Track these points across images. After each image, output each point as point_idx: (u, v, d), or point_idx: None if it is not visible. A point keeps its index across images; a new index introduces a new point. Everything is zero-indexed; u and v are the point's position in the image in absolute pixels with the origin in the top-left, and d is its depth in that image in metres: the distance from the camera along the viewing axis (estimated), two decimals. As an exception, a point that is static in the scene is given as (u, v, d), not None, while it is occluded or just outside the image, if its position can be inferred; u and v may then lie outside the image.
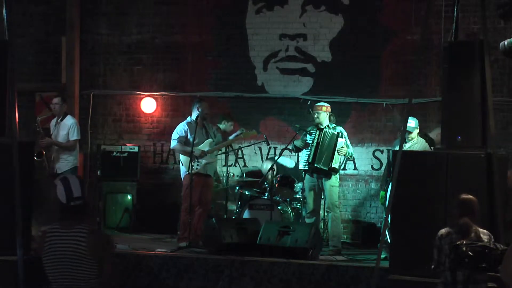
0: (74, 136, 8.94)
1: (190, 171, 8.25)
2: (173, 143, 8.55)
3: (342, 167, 8.65)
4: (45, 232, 4.23)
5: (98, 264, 4.13)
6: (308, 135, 8.58)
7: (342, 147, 8.32)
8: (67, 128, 8.91)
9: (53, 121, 9.08)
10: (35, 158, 8.63)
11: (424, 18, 8.58)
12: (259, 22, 10.23)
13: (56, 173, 8.77)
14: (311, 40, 10.10)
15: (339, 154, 8.33)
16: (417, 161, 6.87)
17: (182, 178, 8.56)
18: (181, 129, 8.56)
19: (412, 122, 8.05)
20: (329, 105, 8.60)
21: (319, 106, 8.54)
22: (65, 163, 8.88)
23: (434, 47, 9.53)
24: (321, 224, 8.92)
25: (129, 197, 10.04)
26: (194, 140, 8.29)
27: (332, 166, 8.30)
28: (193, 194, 8.27)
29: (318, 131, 8.46)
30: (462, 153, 6.61)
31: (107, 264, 4.17)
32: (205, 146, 8.57)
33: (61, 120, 8.95)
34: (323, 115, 8.49)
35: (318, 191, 8.46)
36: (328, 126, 8.52)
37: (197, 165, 8.38)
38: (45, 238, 4.20)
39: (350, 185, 9.93)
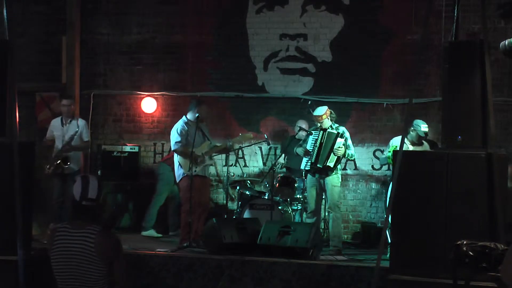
0: (88, 137, 9.12)
1: (191, 172, 8.23)
2: (176, 146, 8.43)
3: (341, 167, 8.61)
4: (55, 230, 4.22)
5: (107, 266, 4.13)
6: (310, 136, 8.58)
7: (339, 147, 8.28)
8: (76, 129, 8.96)
9: (56, 121, 9.05)
10: (62, 164, 8.69)
11: (424, 18, 8.57)
12: (260, 22, 10.24)
13: (65, 173, 8.78)
14: (312, 40, 10.10)
15: (334, 155, 8.30)
16: (417, 161, 6.86)
17: (178, 180, 8.52)
18: (180, 130, 8.49)
19: (426, 127, 8.22)
20: (326, 108, 8.56)
21: (318, 116, 8.48)
22: (77, 163, 9.03)
23: (434, 47, 9.54)
24: (322, 224, 8.92)
25: (129, 197, 10.06)
26: (194, 141, 8.28)
27: (327, 164, 8.30)
28: (193, 196, 8.28)
29: (321, 131, 8.47)
30: (462, 153, 6.60)
31: (118, 267, 4.16)
32: (204, 148, 8.57)
33: (71, 121, 8.98)
34: (325, 121, 8.48)
35: (320, 191, 8.46)
36: (331, 126, 8.51)
37: (196, 167, 8.36)
38: (54, 236, 4.20)
39: (351, 185, 9.93)
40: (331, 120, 8.56)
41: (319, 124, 8.54)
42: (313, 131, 8.63)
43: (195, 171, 8.32)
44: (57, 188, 8.84)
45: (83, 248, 4.10)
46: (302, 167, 8.65)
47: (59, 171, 8.78)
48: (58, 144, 8.89)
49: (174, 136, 8.49)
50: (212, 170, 10.15)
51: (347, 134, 8.50)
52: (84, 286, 4.12)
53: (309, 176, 8.56)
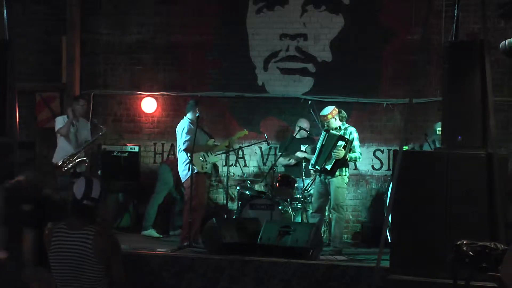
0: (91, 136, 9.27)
1: (202, 169, 8.43)
2: (186, 144, 8.44)
3: (346, 170, 8.49)
4: (52, 230, 4.22)
5: (105, 266, 4.12)
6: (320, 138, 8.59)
7: (339, 150, 8.21)
8: (88, 128, 9.15)
9: (62, 120, 9.09)
10: (84, 163, 9.00)
11: (424, 18, 8.58)
12: (260, 22, 10.24)
13: (76, 172, 8.84)
14: (312, 40, 10.10)
15: (332, 157, 8.24)
16: (417, 161, 6.86)
17: (186, 178, 8.54)
18: (187, 129, 8.52)
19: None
20: (332, 108, 8.50)
21: (324, 116, 8.44)
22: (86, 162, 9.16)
23: (434, 47, 9.54)
24: (325, 224, 8.91)
25: (129, 197, 10.07)
26: (194, 140, 8.32)
27: (325, 166, 8.27)
28: (200, 194, 8.42)
29: (325, 133, 8.45)
30: (462, 153, 6.60)
31: (115, 267, 4.15)
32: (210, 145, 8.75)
33: (79, 120, 9.16)
34: (331, 121, 8.43)
35: (324, 191, 8.43)
36: (339, 127, 8.45)
37: (207, 164, 8.54)
38: (51, 236, 4.19)
39: (351, 185, 9.91)
40: (340, 120, 8.49)
41: (325, 124, 8.50)
42: (321, 133, 8.62)
43: (206, 167, 8.51)
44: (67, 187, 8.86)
45: (81, 250, 4.09)
46: (310, 167, 8.70)
47: (72, 170, 8.85)
48: (69, 143, 8.96)
49: (183, 136, 8.52)
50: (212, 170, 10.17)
51: (354, 135, 8.39)
52: (82, 286, 4.12)
53: (316, 176, 8.55)
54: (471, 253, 5.06)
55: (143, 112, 10.52)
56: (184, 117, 8.74)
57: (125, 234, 9.14)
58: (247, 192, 9.20)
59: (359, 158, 8.54)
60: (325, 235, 8.91)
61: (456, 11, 6.93)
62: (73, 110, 9.14)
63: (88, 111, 10.24)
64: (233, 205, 9.74)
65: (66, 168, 8.87)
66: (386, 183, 9.30)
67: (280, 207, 8.79)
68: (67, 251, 4.12)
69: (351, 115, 9.87)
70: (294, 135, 9.30)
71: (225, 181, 9.42)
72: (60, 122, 9.10)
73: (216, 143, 8.96)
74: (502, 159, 6.65)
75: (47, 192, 5.68)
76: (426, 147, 8.81)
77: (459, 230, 6.15)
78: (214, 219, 7.92)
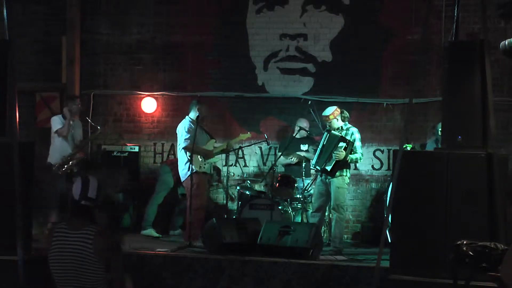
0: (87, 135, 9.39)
1: (200, 169, 8.46)
2: (186, 143, 8.48)
3: (347, 170, 8.47)
4: (52, 230, 4.22)
5: (105, 266, 4.12)
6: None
7: (340, 151, 8.20)
8: (81, 128, 9.26)
9: (60, 119, 9.12)
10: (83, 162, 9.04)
11: (424, 18, 8.59)
12: (260, 22, 10.24)
13: (74, 173, 8.86)
14: (312, 40, 10.10)
15: (332, 158, 8.23)
16: (417, 161, 6.86)
17: (185, 177, 8.55)
18: (188, 128, 8.55)
19: None
20: (333, 108, 8.47)
21: (325, 117, 8.43)
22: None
23: (434, 47, 9.54)
24: (325, 224, 8.91)
25: (130, 197, 10.06)
26: (194, 139, 8.33)
27: (325, 167, 8.26)
28: (200, 193, 8.42)
29: (326, 133, 8.45)
30: (462, 153, 6.60)
31: (115, 266, 4.15)
32: (210, 146, 8.73)
33: (73, 120, 9.19)
34: (333, 121, 8.42)
35: (325, 191, 8.43)
36: (341, 127, 8.43)
37: (205, 164, 8.54)
38: (52, 236, 4.19)
39: (351, 185, 9.90)
40: (342, 120, 8.47)
41: (327, 125, 8.50)
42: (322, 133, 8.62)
43: (204, 167, 8.52)
44: (63, 187, 8.83)
45: (81, 250, 4.09)
46: (311, 166, 8.70)
47: (69, 171, 8.86)
48: (67, 143, 8.98)
49: (183, 134, 8.55)
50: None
51: (356, 136, 8.36)
52: (82, 286, 4.12)
53: (318, 175, 8.55)
54: (471, 253, 5.07)
55: (143, 112, 10.52)
56: (186, 116, 8.77)
57: (125, 234, 9.13)
58: (247, 192, 9.20)
59: (360, 159, 8.51)
60: (325, 235, 8.91)
61: (456, 11, 6.93)
62: (70, 110, 9.14)
63: (87, 111, 10.26)
64: (233, 205, 9.74)
65: (64, 168, 8.86)
66: (386, 183, 9.29)
67: (280, 207, 8.79)
68: (67, 251, 4.12)
69: (351, 115, 9.83)
70: (294, 135, 9.30)
71: (225, 181, 9.42)
72: (57, 122, 9.08)
73: (216, 144, 8.99)
74: (502, 159, 6.65)
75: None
76: (429, 145, 8.82)
77: (459, 230, 6.15)
78: (214, 219, 7.92)
